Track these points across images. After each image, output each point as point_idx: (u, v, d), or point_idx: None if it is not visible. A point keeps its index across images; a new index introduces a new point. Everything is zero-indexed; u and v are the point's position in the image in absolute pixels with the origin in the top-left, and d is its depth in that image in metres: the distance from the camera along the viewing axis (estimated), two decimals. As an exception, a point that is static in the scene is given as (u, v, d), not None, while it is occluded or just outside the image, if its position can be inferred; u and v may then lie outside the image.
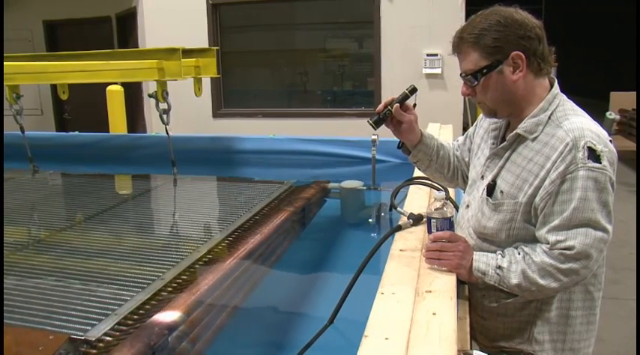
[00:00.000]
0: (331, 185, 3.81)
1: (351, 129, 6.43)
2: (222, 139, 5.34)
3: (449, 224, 1.71)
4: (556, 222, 1.53)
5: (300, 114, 7.21)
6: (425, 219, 1.92)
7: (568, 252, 1.52)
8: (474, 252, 1.67)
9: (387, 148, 4.55)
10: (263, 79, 7.83)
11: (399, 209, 2.29)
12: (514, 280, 1.59)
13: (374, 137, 4.07)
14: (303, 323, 2.42)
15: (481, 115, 1.90)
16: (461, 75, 1.65)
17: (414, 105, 1.89)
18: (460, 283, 1.67)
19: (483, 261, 1.64)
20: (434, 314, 1.39)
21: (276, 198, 3.48)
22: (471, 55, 1.59)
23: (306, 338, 1.99)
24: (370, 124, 1.87)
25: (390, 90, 6.79)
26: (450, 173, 2.02)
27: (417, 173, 3.22)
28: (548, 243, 1.55)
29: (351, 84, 7.60)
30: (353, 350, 1.27)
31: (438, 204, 1.72)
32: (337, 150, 4.87)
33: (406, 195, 2.71)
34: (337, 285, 2.38)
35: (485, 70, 1.57)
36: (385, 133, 3.59)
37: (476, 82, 1.60)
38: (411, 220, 2.07)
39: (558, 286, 1.56)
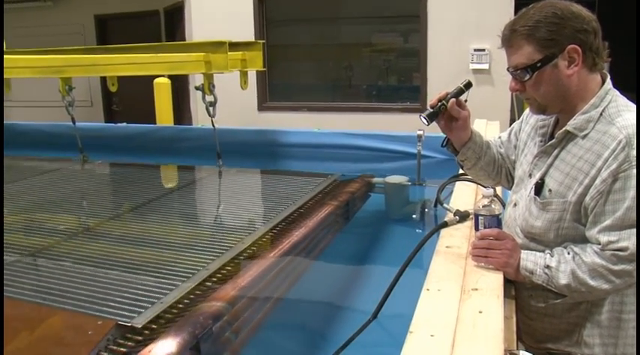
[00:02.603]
0: (375, 180, 3.79)
1: (395, 124, 6.38)
2: (267, 132, 5.37)
3: (497, 221, 1.67)
4: (608, 222, 1.48)
5: (344, 109, 7.18)
6: (471, 217, 1.89)
7: (621, 253, 1.46)
8: (522, 251, 1.63)
9: (433, 144, 4.49)
10: (308, 72, 7.82)
11: (445, 205, 2.26)
12: (563, 280, 1.55)
13: (420, 132, 4.03)
14: (346, 318, 2.41)
15: (527, 111, 1.84)
16: (508, 69, 1.60)
17: (466, 100, 1.82)
18: (507, 282, 1.63)
19: (531, 260, 1.60)
20: (480, 312, 1.36)
21: (321, 191, 3.48)
22: (524, 48, 1.53)
23: (349, 333, 1.99)
24: (423, 119, 1.79)
25: (435, 85, 6.71)
26: (495, 171, 1.97)
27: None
28: (600, 244, 1.50)
29: (397, 79, 7.52)
30: (396, 345, 1.26)
31: (486, 201, 1.69)
32: (382, 144, 4.84)
33: (452, 192, 2.67)
34: (380, 280, 2.36)
35: (539, 64, 1.51)
36: (431, 128, 3.55)
37: (528, 77, 1.54)
38: (457, 217, 2.04)
39: (610, 288, 1.51)
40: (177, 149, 5.56)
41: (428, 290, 1.51)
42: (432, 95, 6.73)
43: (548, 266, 1.57)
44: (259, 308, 2.21)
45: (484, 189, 1.76)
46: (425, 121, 1.79)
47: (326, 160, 4.92)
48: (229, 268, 2.32)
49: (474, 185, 2.48)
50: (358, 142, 4.94)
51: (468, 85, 1.79)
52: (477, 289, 1.49)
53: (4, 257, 2.55)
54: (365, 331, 1.99)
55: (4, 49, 6.52)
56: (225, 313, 1.90)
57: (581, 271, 1.51)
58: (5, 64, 4.66)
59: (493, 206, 1.67)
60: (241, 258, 2.44)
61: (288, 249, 2.51)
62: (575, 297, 1.59)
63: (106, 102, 9.21)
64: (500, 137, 2.00)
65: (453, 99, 1.76)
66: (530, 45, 1.52)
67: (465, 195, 2.43)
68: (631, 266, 1.47)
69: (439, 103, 1.77)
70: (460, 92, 1.78)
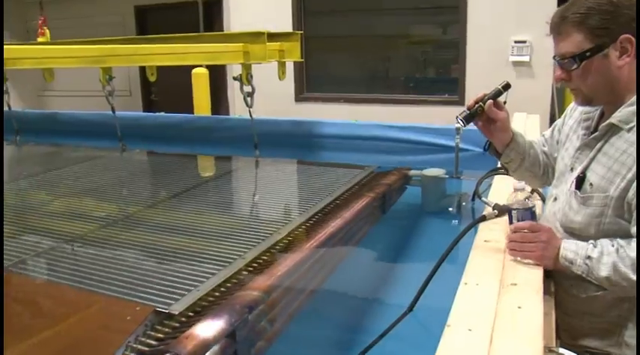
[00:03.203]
0: (412, 172, 3.76)
1: (433, 117, 6.32)
2: (304, 123, 5.38)
3: (530, 215, 1.64)
4: None
5: (381, 101, 7.15)
6: None
7: None
8: (564, 240, 1.59)
9: (471, 137, 4.46)
10: (345, 64, 7.80)
11: (483, 199, 2.24)
12: (603, 272, 1.50)
13: (458, 125, 3.98)
14: (381, 310, 2.41)
15: (571, 105, 1.80)
16: (554, 58, 1.55)
17: (505, 102, 1.79)
18: (546, 278, 1.60)
19: (572, 250, 1.56)
20: (519, 307, 1.34)
21: (357, 183, 3.47)
22: (574, 36, 1.48)
23: (384, 325, 1.98)
24: (459, 121, 1.76)
25: (474, 77, 6.63)
26: (542, 171, 1.92)
27: (502, 163, 3.14)
28: None
29: (434, 71, 7.46)
30: (432, 339, 1.26)
31: (519, 195, 1.67)
32: (420, 137, 4.81)
33: (491, 185, 2.64)
34: (415, 273, 2.36)
35: (588, 54, 1.47)
36: (470, 121, 3.49)
37: (575, 66, 1.50)
38: (495, 211, 2.01)
39: None
40: (215, 139, 5.61)
41: (466, 284, 1.50)
42: (471, 87, 6.73)
43: (589, 257, 1.52)
44: (295, 298, 2.22)
45: (517, 182, 1.73)
46: (461, 123, 1.76)
47: (363, 152, 4.91)
48: (265, 258, 2.33)
49: (512, 179, 2.44)
50: (395, 134, 4.91)
51: (507, 87, 1.76)
52: (515, 284, 1.47)
53: (46, 241, 2.62)
54: (401, 323, 1.99)
55: (49, 39, 6.67)
56: (261, 302, 1.91)
57: (624, 265, 1.47)
58: (48, 54, 4.77)
59: (526, 199, 1.65)
60: (277, 248, 2.45)
61: (324, 240, 2.52)
62: (617, 291, 1.55)
63: (144, 92, 9.32)
64: (543, 135, 1.97)
65: (490, 101, 1.73)
66: (580, 33, 1.47)
67: (504, 189, 2.39)
68: None
69: (476, 105, 1.74)
70: (498, 93, 1.75)
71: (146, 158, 5.20)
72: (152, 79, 4.84)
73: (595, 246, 1.54)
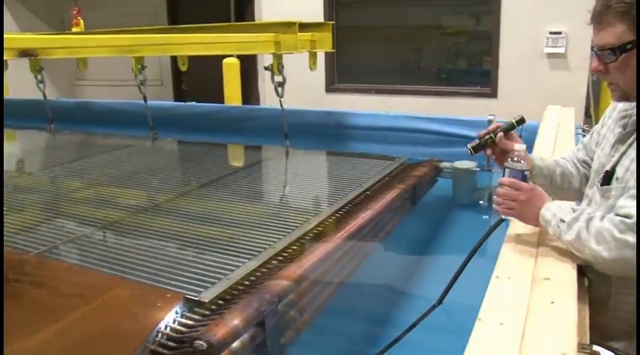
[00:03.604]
0: (443, 164, 3.73)
1: (464, 109, 6.27)
2: (335, 114, 5.37)
3: (521, 177, 1.66)
4: (632, 191, 1.43)
5: (413, 92, 7.10)
6: None
7: (627, 221, 1.39)
8: (550, 201, 1.60)
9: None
10: (376, 55, 7.76)
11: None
12: (569, 236, 1.50)
13: (490, 117, 3.94)
14: (409, 302, 2.41)
15: (609, 107, 1.77)
16: (593, 49, 1.52)
17: (520, 135, 1.84)
18: (580, 275, 1.58)
19: (551, 211, 1.57)
20: (552, 302, 1.33)
21: (388, 174, 3.45)
22: (616, 26, 1.44)
23: (413, 317, 1.98)
24: (468, 149, 1.82)
25: (507, 69, 6.54)
26: (579, 183, 1.89)
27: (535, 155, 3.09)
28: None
29: (467, 62, 7.38)
30: (462, 332, 1.25)
31: (515, 156, 1.68)
32: (451, 129, 4.76)
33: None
34: (445, 266, 2.35)
35: (629, 46, 1.43)
36: (502, 114, 3.47)
37: (614, 58, 1.46)
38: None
39: (608, 257, 1.42)
40: (245, 129, 5.63)
41: (497, 277, 1.48)
42: (504, 80, 6.65)
43: (562, 220, 1.52)
44: (324, 288, 2.22)
45: (517, 145, 1.73)
46: (470, 151, 1.82)
47: (393, 143, 4.88)
48: (295, 248, 2.33)
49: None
50: (426, 126, 4.87)
51: (521, 121, 1.80)
52: (548, 279, 1.46)
53: (78, 228, 2.66)
54: (430, 316, 1.98)
55: (83, 29, 6.75)
56: (291, 291, 1.91)
57: (587, 232, 1.46)
58: (82, 44, 4.82)
59: (522, 161, 1.67)
60: (307, 238, 2.45)
61: (353, 232, 2.51)
62: (587, 263, 1.53)
63: (175, 81, 9.40)
64: (578, 146, 1.95)
65: (501, 134, 1.76)
66: (623, 24, 1.43)
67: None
68: (632, 240, 1.38)
69: (486, 136, 1.77)
70: (511, 127, 1.79)
71: (177, 147, 5.25)
72: (183, 68, 4.87)
73: (574, 211, 1.53)
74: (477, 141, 1.80)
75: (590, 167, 1.87)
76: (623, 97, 1.56)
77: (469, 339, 1.19)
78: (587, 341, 1.42)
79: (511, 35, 6.53)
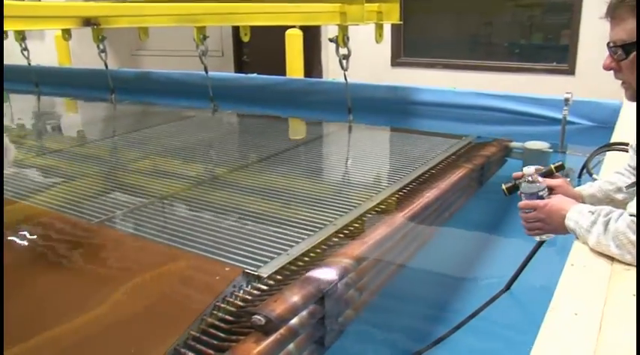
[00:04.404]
0: (513, 144, 3.64)
1: (538, 86, 6.08)
2: (400, 89, 5.31)
3: (536, 197, 1.70)
4: None
5: (482, 67, 6.93)
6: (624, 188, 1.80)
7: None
8: (572, 207, 1.58)
9: (581, 109, 4.27)
10: (445, 28, 7.61)
11: (594, 176, 2.14)
12: (591, 241, 1.47)
13: (567, 95, 3.82)
14: (473, 288, 2.37)
15: None
16: (609, 44, 1.45)
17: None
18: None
19: (573, 219, 1.55)
20: (634, 295, 1.27)
21: (454, 153, 3.40)
22: (628, 22, 1.37)
23: (476, 304, 1.96)
24: (503, 190, 1.85)
25: (588, 44, 6.28)
26: None
27: (616, 138, 2.98)
28: None
29: (542, 36, 7.13)
30: (531, 321, 1.23)
31: (526, 180, 1.71)
32: (523, 107, 4.65)
33: (601, 162, 2.52)
34: (513, 250, 2.31)
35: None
36: (580, 92, 3.34)
37: (624, 57, 1.39)
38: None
39: (631, 260, 1.39)
40: (307, 102, 5.64)
41: (572, 265, 1.44)
42: (583, 56, 6.37)
43: (583, 227, 1.51)
44: (384, 268, 2.21)
45: (526, 168, 1.75)
46: (504, 192, 1.85)
47: (461, 121, 4.81)
48: (356, 225, 2.33)
49: (627, 155, 2.31)
50: (497, 104, 4.77)
51: (559, 168, 1.84)
52: (628, 269, 1.40)
53: (137, 198, 2.73)
54: (495, 304, 1.95)
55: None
56: (352, 270, 1.91)
57: (605, 236, 1.43)
58: (144, 12, 4.90)
59: (536, 182, 1.70)
60: (369, 216, 2.44)
61: (417, 211, 2.48)
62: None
63: (236, 53, 9.46)
64: (629, 151, 1.87)
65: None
66: (635, 19, 1.35)
67: (617, 166, 2.27)
68: None
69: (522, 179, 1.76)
70: (549, 172, 1.81)
71: (237, 119, 5.31)
72: (245, 39, 4.90)
73: (592, 213, 1.50)
74: (513, 182, 1.82)
75: None
76: (635, 97, 1.49)
77: (540, 329, 1.16)
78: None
79: (595, 7, 6.25)
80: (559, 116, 3.97)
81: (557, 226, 1.62)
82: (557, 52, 6.73)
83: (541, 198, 1.70)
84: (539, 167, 1.80)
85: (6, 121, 4.96)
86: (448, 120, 4.87)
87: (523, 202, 1.70)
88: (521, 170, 1.76)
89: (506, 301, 2.00)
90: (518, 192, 1.75)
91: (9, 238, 2.21)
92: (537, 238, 1.77)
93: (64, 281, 1.91)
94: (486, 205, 3.24)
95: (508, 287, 2.02)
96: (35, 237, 2.32)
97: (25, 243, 2.25)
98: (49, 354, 1.54)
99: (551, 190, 1.74)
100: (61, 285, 1.89)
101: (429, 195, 2.64)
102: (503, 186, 1.84)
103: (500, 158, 3.58)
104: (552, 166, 1.83)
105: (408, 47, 7.48)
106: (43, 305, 1.75)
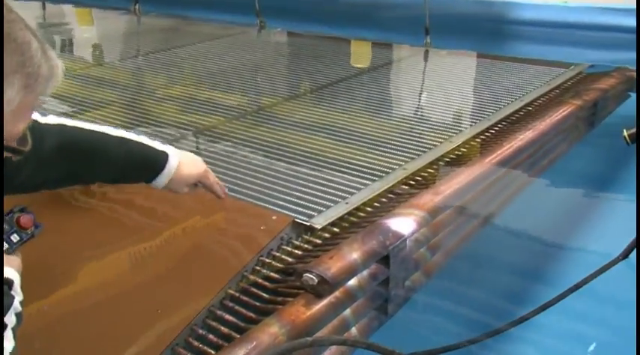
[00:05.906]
0: (640, 75, 3.57)
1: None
2: (493, 4, 5.21)
3: None
4: None
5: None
6: None
7: None
8: None
9: None
10: None
11: None
12: None
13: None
14: (574, 256, 2.35)
15: None
16: None
17: None
18: None
19: None
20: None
21: (559, 86, 3.38)
22: None
23: (575, 277, 1.85)
24: (624, 138, 1.90)
25: None
26: None
27: None
28: None
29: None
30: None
31: None
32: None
33: None
34: (629, 212, 2.27)
35: None
36: None
37: None
38: None
39: None
40: (375, 19, 5.57)
41: None
42: None
43: None
44: (463, 226, 2.24)
45: None
46: (625, 141, 1.90)
47: (572, 45, 4.71)
48: (431, 171, 2.36)
49: None
50: (619, 21, 4.62)
51: None
52: None
53: (166, 131, 2.80)
54: (604, 277, 1.85)
55: None
56: (423, 225, 1.93)
57: None
58: None
59: None
60: (446, 160, 2.47)
61: (507, 157, 2.49)
62: None
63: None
64: None
65: None
66: None
67: None
68: None
69: None
70: None
71: (287, 39, 5.29)
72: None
73: None
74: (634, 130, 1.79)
75: None
76: None
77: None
78: None
79: None
80: None
81: None
82: None
83: None
84: None
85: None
86: (555, 44, 4.77)
87: None
88: None
89: (620, 272, 1.91)
90: None
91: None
92: None
93: (88, 231, 1.98)
94: (598, 153, 3.20)
95: (626, 255, 1.97)
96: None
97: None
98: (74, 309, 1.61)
99: None
100: (84, 235, 1.95)
101: (523, 137, 2.63)
102: (625, 133, 1.80)
103: (620, 92, 3.50)
104: None
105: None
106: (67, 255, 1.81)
